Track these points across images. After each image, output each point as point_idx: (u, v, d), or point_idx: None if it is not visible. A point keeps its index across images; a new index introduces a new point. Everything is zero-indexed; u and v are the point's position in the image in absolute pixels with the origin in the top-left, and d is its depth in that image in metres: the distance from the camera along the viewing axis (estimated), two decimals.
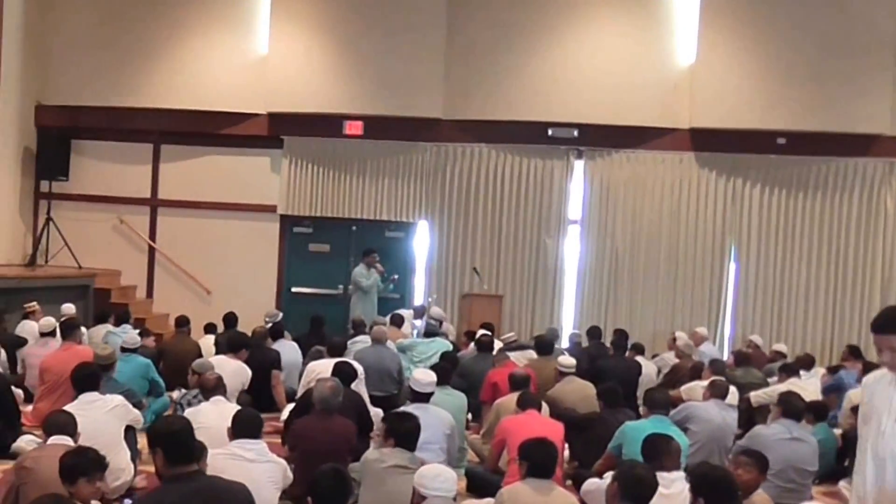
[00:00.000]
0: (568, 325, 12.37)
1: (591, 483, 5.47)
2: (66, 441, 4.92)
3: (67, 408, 5.63)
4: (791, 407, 6.45)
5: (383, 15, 12.19)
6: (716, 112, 11.87)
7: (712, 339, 11.73)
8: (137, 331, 9.45)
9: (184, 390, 7.74)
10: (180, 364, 8.41)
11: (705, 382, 7.47)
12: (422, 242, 12.93)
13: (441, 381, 6.82)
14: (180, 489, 3.83)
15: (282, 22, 12.38)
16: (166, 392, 8.30)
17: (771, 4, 11.77)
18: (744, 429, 7.06)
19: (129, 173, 13.16)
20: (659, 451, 5.04)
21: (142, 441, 6.05)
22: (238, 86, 12.55)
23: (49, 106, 13.04)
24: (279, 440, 6.88)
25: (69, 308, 10.22)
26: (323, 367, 7.47)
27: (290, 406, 7.37)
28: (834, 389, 8.76)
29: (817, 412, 7.33)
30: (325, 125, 12.53)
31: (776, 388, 8.23)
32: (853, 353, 10.12)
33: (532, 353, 9.20)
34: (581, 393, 7.58)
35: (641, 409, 6.65)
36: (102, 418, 5.82)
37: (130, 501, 5.63)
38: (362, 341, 9.42)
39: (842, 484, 6.92)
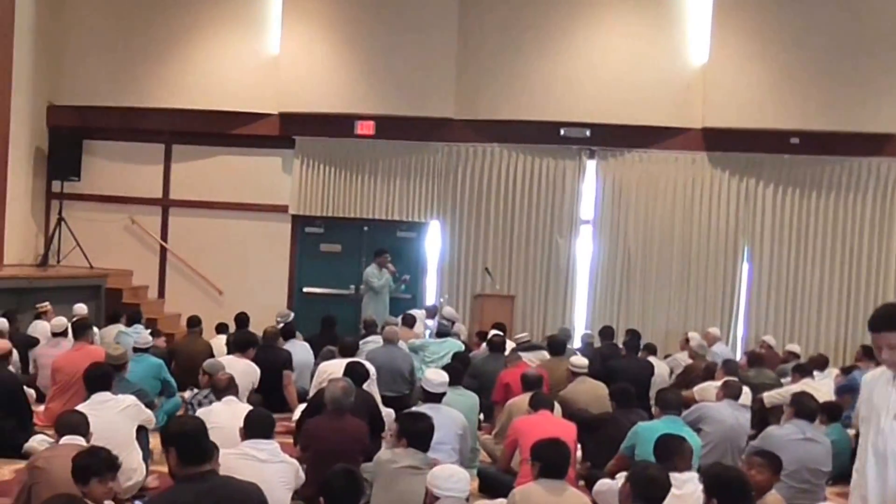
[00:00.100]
0: (580, 326, 12.35)
1: (604, 483, 5.45)
2: (79, 441, 4.91)
3: (79, 408, 5.62)
4: (804, 407, 6.41)
5: (395, 15, 12.18)
6: (728, 112, 11.83)
7: (725, 340, 11.72)
8: (149, 331, 9.48)
9: (195, 390, 7.73)
10: (192, 364, 8.38)
11: (718, 383, 7.45)
12: (433, 242, 12.92)
13: (453, 382, 6.81)
14: (194, 489, 3.83)
15: (293, 22, 12.39)
16: (178, 392, 8.31)
17: (783, 4, 11.72)
18: (757, 429, 7.03)
19: (140, 173, 13.19)
20: (671, 452, 5.03)
21: (154, 441, 6.08)
22: (249, 86, 12.56)
23: (61, 106, 13.07)
24: (291, 440, 6.87)
25: (81, 308, 10.24)
26: (335, 368, 7.45)
27: (302, 406, 7.34)
28: (847, 390, 8.68)
29: (831, 413, 7.28)
30: (336, 125, 12.53)
31: (789, 388, 8.20)
32: (867, 353, 10.01)
33: (544, 354, 9.19)
34: (593, 393, 7.57)
35: (654, 410, 6.61)
36: (114, 418, 5.81)
37: (142, 502, 5.62)
38: (374, 341, 9.41)
39: None
